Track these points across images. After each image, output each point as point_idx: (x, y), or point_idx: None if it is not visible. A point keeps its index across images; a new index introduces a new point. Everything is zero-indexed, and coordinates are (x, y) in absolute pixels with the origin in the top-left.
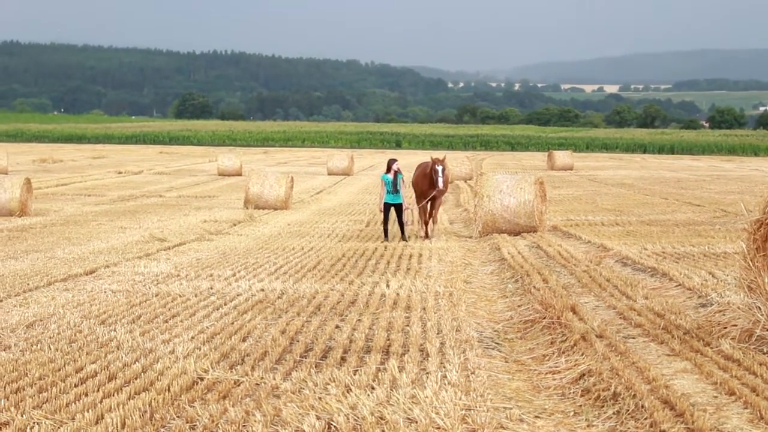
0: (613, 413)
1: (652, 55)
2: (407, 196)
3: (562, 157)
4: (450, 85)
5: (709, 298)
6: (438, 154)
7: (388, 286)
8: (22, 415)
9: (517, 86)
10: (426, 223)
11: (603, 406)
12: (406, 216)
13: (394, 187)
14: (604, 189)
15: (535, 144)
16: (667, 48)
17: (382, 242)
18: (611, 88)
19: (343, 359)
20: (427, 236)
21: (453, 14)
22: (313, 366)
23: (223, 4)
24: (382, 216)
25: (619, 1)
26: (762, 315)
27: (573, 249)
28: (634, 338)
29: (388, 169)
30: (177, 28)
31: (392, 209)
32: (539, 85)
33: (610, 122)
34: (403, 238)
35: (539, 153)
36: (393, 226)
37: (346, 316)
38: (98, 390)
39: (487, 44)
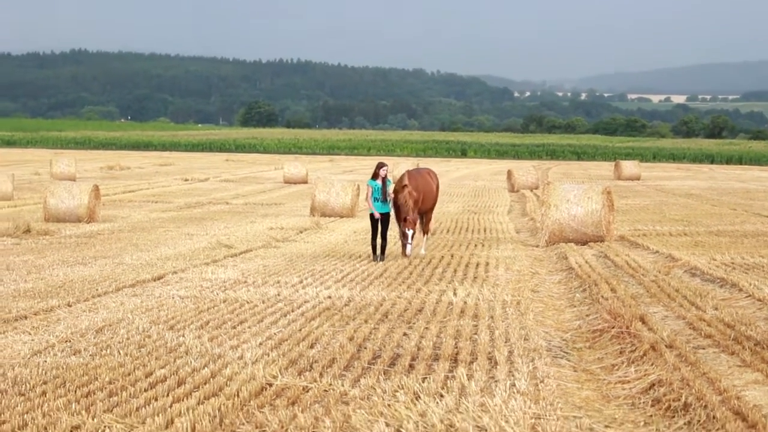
0: (684, 424)
1: (720, 65)
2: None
3: (629, 166)
4: (516, 94)
5: None
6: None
7: (455, 294)
8: (93, 419)
9: (583, 96)
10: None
11: (674, 417)
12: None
13: (383, 195)
14: (672, 199)
15: (602, 154)
16: (736, 58)
17: (370, 261)
18: (679, 98)
19: (411, 366)
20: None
21: (520, 24)
22: (382, 373)
23: (290, 13)
24: (371, 228)
25: (687, 12)
26: None
27: (641, 259)
28: (704, 349)
29: (375, 175)
30: (243, 37)
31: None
32: (606, 95)
33: (677, 132)
34: (382, 257)
35: (606, 162)
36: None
37: (414, 323)
38: (168, 395)
39: (553, 54)
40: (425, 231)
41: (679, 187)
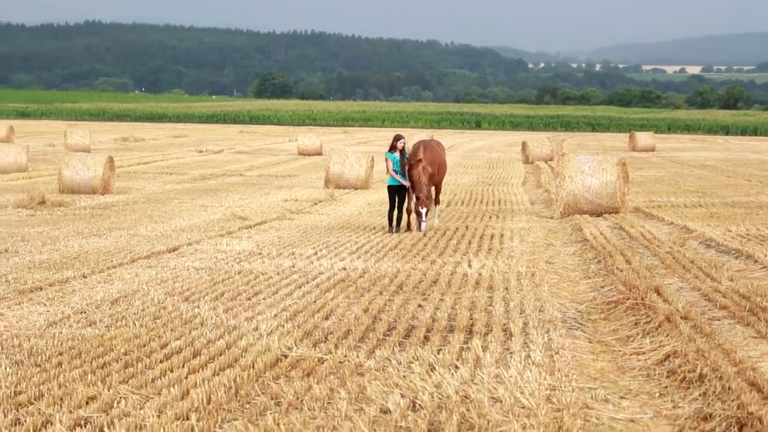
0: (699, 395)
1: (735, 35)
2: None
3: (643, 138)
4: (530, 65)
5: None
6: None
7: (470, 265)
8: (108, 390)
9: (598, 67)
10: (409, 212)
11: (689, 388)
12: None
13: (402, 168)
14: (687, 170)
15: (616, 125)
16: (751, 29)
17: (385, 233)
18: (693, 69)
19: (426, 338)
20: (408, 227)
21: None
22: (397, 344)
23: None
24: (389, 200)
25: None
26: None
27: (656, 230)
28: (719, 320)
29: (392, 147)
30: (257, 8)
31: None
32: (620, 66)
33: (692, 103)
34: (397, 229)
35: (620, 134)
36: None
37: (429, 295)
38: (183, 366)
39: (568, 25)
40: (436, 201)
41: (693, 159)
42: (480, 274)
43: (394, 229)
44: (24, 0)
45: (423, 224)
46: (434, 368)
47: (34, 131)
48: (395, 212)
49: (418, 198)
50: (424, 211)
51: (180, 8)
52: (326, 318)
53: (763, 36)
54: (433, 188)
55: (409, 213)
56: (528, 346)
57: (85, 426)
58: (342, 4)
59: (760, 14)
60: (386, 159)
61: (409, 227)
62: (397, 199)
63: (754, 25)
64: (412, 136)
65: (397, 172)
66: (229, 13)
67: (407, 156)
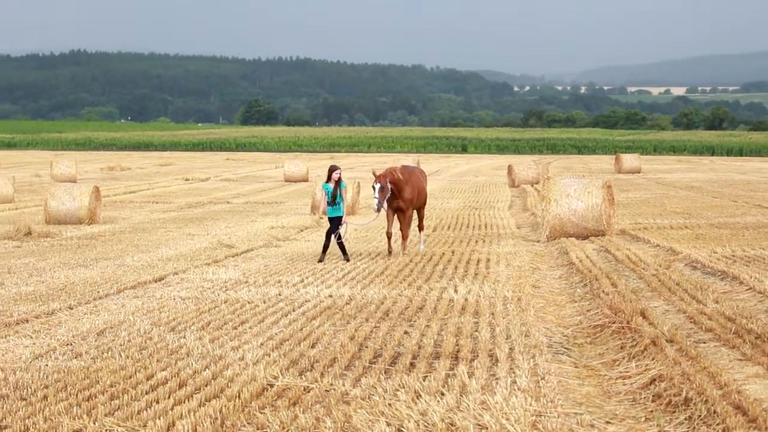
0: (685, 419)
1: (719, 56)
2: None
3: (629, 160)
4: (516, 88)
5: None
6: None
7: (456, 291)
8: (94, 423)
9: (583, 89)
10: (389, 236)
11: (674, 412)
12: (343, 231)
13: (333, 199)
14: (673, 192)
15: (602, 147)
16: (735, 49)
17: (318, 261)
18: (678, 91)
19: (412, 365)
20: (390, 252)
21: (518, 18)
22: (383, 372)
23: (287, 11)
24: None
25: (685, 3)
26: None
27: (642, 253)
28: (705, 343)
29: (329, 178)
30: (242, 35)
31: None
32: (605, 88)
33: (677, 125)
34: (322, 257)
35: (606, 156)
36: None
37: (415, 321)
38: (169, 397)
39: (552, 48)
40: (420, 227)
41: (679, 180)
42: (466, 300)
43: (323, 258)
44: (9, 30)
45: (375, 201)
46: (420, 396)
47: (20, 161)
48: (325, 240)
49: (382, 189)
50: (377, 186)
51: (165, 36)
52: (312, 346)
53: (747, 57)
54: (415, 213)
55: (404, 238)
56: (514, 372)
57: None
58: (326, 31)
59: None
60: (322, 189)
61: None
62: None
63: (738, 45)
64: (398, 161)
65: (328, 203)
66: (214, 40)
67: (343, 186)
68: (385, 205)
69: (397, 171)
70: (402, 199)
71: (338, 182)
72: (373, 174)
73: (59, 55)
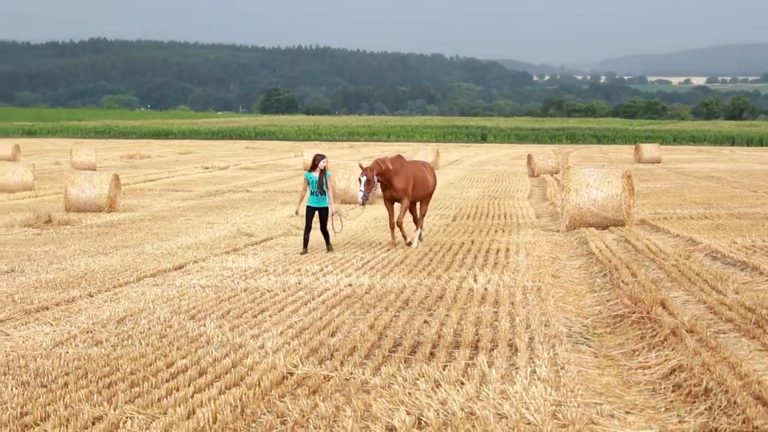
0: (705, 409)
1: (740, 46)
2: (335, 199)
3: (649, 150)
4: (535, 78)
5: None
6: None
7: (475, 280)
8: (114, 410)
9: (603, 79)
10: (392, 227)
11: (694, 402)
12: (331, 223)
13: (319, 188)
14: (692, 182)
15: (622, 137)
16: (756, 39)
17: (300, 254)
18: (699, 80)
19: (432, 354)
20: (393, 242)
21: (538, 6)
22: (402, 361)
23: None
24: (305, 220)
25: None
26: None
27: (661, 243)
28: (725, 333)
29: (314, 167)
30: (262, 24)
31: (316, 214)
32: (626, 78)
33: (697, 114)
34: (329, 248)
35: (626, 146)
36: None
37: (434, 311)
38: (189, 385)
39: (572, 37)
40: (417, 223)
41: (699, 170)
42: (486, 289)
43: (306, 250)
44: (29, 18)
45: (361, 194)
46: (440, 385)
47: (40, 149)
48: (312, 233)
49: (361, 180)
50: (363, 179)
51: (185, 25)
52: (332, 335)
53: (767, 46)
54: (418, 206)
55: (399, 226)
56: (533, 362)
57: None
58: (346, 19)
59: (765, 24)
60: (304, 179)
61: (405, 238)
62: (313, 220)
63: (759, 35)
64: (417, 150)
65: (313, 193)
66: (234, 29)
67: (328, 176)
68: (384, 196)
69: (386, 161)
70: (394, 189)
71: (323, 171)
72: (360, 167)
73: (79, 43)
